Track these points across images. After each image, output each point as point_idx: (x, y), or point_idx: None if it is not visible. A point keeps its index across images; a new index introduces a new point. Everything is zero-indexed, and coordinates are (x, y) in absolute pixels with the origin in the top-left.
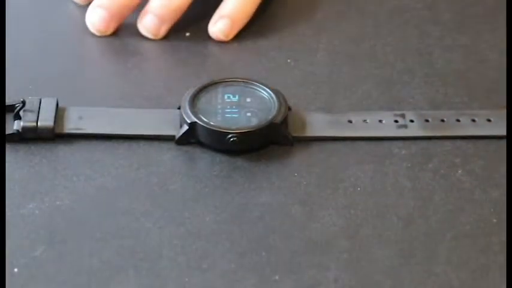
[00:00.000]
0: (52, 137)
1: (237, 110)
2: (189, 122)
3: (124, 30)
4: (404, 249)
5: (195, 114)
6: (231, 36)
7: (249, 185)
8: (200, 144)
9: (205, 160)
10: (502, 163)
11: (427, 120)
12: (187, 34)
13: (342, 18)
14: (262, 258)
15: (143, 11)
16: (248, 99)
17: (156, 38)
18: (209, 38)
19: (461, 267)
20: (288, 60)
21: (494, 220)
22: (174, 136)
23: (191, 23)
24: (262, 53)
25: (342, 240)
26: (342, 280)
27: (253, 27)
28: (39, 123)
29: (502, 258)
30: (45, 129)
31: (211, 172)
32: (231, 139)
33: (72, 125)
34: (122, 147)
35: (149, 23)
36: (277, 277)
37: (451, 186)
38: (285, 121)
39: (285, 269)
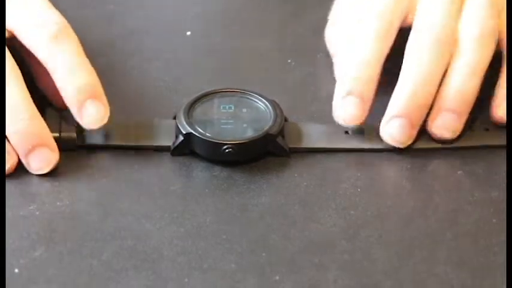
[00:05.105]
0: (74, 148)
1: (232, 120)
2: (184, 132)
3: (124, 30)
4: (404, 250)
5: (191, 125)
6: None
7: (249, 185)
8: (196, 155)
9: (205, 161)
10: (502, 164)
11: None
12: (188, 33)
13: None
14: (262, 258)
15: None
16: (244, 110)
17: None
18: (209, 37)
19: (461, 268)
20: (288, 61)
21: (494, 220)
22: (169, 147)
23: (191, 23)
24: (262, 53)
25: (342, 241)
26: (341, 280)
27: (253, 27)
28: (62, 134)
29: (502, 259)
30: (69, 140)
31: (211, 173)
32: (227, 150)
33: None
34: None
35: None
36: (277, 277)
37: (451, 187)
38: (281, 132)
39: (285, 269)
